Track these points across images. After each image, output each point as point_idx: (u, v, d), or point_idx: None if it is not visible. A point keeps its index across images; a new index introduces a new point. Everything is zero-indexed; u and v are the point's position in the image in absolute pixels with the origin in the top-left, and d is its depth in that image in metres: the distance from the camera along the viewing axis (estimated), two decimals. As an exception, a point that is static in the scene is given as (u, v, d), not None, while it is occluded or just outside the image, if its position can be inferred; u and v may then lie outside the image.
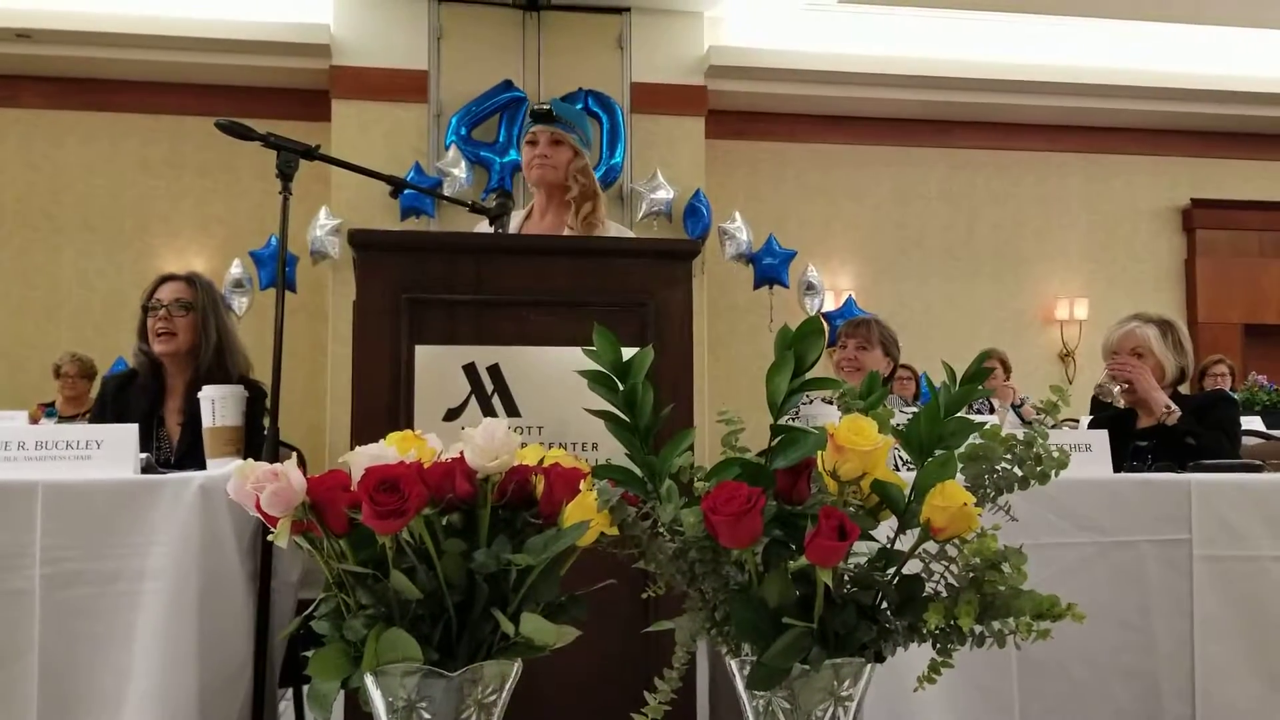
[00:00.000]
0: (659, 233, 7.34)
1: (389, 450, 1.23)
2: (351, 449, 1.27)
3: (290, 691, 2.55)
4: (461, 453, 1.19)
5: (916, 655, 1.23)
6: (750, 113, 8.25)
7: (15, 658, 1.73)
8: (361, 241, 2.19)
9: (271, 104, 7.65)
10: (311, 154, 2.30)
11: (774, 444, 1.21)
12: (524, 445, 1.33)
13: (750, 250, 7.68)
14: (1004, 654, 1.26)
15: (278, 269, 2.27)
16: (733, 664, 1.23)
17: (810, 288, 7.75)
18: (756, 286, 7.79)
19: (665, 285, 2.22)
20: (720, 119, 7.97)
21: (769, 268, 7.71)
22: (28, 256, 7.69)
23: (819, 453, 1.20)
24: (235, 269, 7.14)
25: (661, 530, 1.23)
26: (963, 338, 8.45)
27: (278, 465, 1.14)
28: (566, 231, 2.94)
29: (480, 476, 1.17)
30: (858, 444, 1.14)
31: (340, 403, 6.83)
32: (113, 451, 1.88)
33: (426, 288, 2.13)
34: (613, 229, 3.07)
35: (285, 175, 2.26)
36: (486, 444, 1.16)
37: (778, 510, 1.20)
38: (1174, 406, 3.05)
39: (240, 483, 1.19)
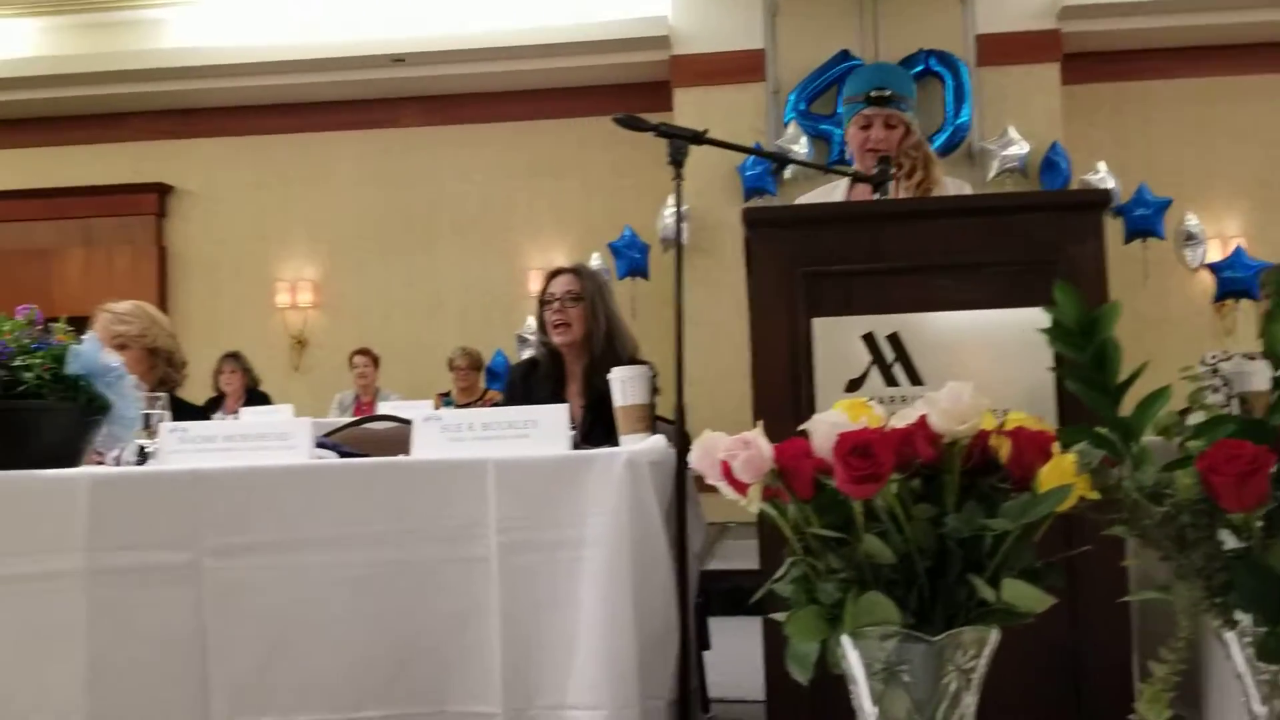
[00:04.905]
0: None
1: (843, 417, 1.23)
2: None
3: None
4: (923, 417, 1.17)
5: None
6: (1110, 52, 7.58)
7: (482, 617, 1.91)
8: (755, 219, 2.24)
9: (614, 100, 7.90)
10: (700, 139, 2.37)
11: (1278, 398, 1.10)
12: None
13: (1118, 201, 7.10)
14: None
15: (675, 245, 2.36)
16: (1228, 637, 1.14)
17: (1190, 238, 7.09)
18: (1128, 240, 7.18)
19: (1073, 240, 2.09)
20: (1076, 63, 7.40)
21: (1141, 219, 7.10)
22: (408, 258, 8.42)
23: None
24: (594, 261, 7.54)
25: (1135, 494, 1.16)
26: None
27: (747, 434, 1.18)
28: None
29: (946, 440, 1.15)
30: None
31: (698, 384, 6.97)
32: (548, 430, 2.04)
33: (821, 260, 2.14)
34: (950, 186, 2.93)
35: (677, 162, 2.33)
36: (953, 407, 1.14)
37: (1282, 470, 1.09)
38: None
39: (704, 453, 1.24)
